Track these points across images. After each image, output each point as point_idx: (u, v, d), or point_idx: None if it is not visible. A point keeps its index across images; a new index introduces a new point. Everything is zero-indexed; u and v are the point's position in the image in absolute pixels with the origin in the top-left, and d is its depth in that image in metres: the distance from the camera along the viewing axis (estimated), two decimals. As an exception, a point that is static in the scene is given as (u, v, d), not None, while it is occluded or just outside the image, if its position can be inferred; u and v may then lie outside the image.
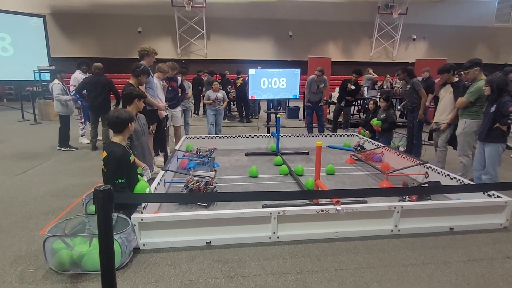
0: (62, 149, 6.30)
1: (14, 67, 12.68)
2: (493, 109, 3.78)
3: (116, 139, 2.99)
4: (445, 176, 4.11)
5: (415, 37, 18.99)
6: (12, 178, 4.65)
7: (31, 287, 2.29)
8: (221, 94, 7.03)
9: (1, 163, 5.39)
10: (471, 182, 3.96)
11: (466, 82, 4.67)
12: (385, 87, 11.19)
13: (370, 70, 12.27)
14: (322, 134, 7.02)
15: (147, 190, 3.06)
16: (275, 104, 10.88)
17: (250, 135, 6.65)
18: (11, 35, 12.68)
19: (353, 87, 7.60)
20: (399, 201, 3.56)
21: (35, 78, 10.82)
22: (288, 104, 12.07)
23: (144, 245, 2.79)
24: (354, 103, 10.31)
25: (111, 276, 1.90)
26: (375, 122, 5.84)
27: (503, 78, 3.75)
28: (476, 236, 3.07)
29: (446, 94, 4.79)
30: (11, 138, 7.44)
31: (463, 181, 3.89)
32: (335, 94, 9.35)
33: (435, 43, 19.06)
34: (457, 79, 4.84)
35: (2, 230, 3.11)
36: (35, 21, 13.34)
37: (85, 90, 6.20)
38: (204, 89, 10.21)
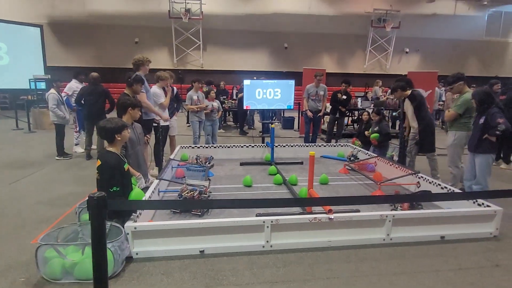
0: (59, 158, 6.27)
1: (9, 76, 12.69)
2: (482, 120, 3.93)
3: (110, 148, 3.02)
4: (436, 185, 4.17)
5: (407, 50, 19.34)
6: (5, 187, 4.62)
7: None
8: (216, 103, 7.09)
9: (-6, 172, 5.35)
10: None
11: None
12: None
13: (380, 83, 12.09)
14: (316, 144, 7.07)
15: (143, 198, 3.07)
16: (272, 115, 10.75)
17: (245, 145, 6.69)
18: (7, 44, 12.73)
19: (344, 97, 7.72)
20: (391, 210, 3.60)
21: (30, 87, 10.80)
22: (283, 115, 12.16)
23: (137, 253, 2.78)
24: (348, 113, 10.43)
25: (104, 284, 1.90)
26: (372, 136, 6.06)
27: (485, 91, 3.96)
28: (466, 244, 3.11)
29: (408, 107, 5.06)
30: (4, 146, 7.40)
31: (453, 190, 3.96)
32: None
33: (428, 56, 19.43)
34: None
35: (-7, 239, 3.09)
36: (32, 31, 13.42)
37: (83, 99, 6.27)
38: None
